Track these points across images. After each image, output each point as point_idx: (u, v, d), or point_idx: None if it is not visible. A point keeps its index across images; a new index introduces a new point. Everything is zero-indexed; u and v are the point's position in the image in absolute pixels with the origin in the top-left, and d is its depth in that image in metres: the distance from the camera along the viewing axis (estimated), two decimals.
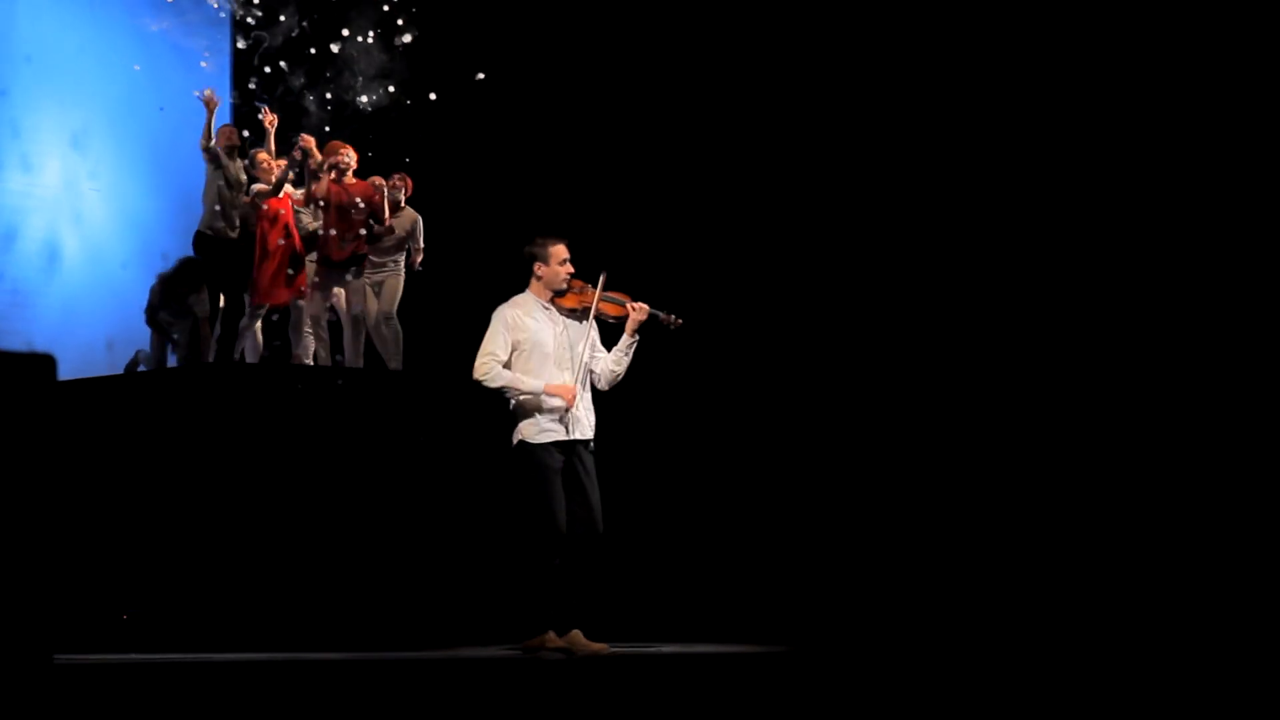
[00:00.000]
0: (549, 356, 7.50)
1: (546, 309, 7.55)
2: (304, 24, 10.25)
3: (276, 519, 9.01)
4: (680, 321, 7.62)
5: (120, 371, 10.81)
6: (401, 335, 10.05)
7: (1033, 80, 9.64)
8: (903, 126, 10.18)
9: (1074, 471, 9.25)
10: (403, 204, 10.14)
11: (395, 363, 10.05)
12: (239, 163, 10.19)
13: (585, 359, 7.52)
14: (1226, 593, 8.53)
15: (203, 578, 8.90)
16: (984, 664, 6.98)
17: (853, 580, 9.86)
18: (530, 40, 11.29)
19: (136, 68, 11.87)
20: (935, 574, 9.57)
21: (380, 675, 5.95)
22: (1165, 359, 9.06)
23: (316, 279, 10.16)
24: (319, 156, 10.05)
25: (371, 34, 10.00)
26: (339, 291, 10.23)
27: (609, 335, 7.72)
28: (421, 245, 10.17)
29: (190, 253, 10.41)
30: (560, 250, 7.56)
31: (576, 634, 7.40)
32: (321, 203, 9.97)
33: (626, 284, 7.64)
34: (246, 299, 10.09)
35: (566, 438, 7.45)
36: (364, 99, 10.05)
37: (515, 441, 7.50)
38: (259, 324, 10.25)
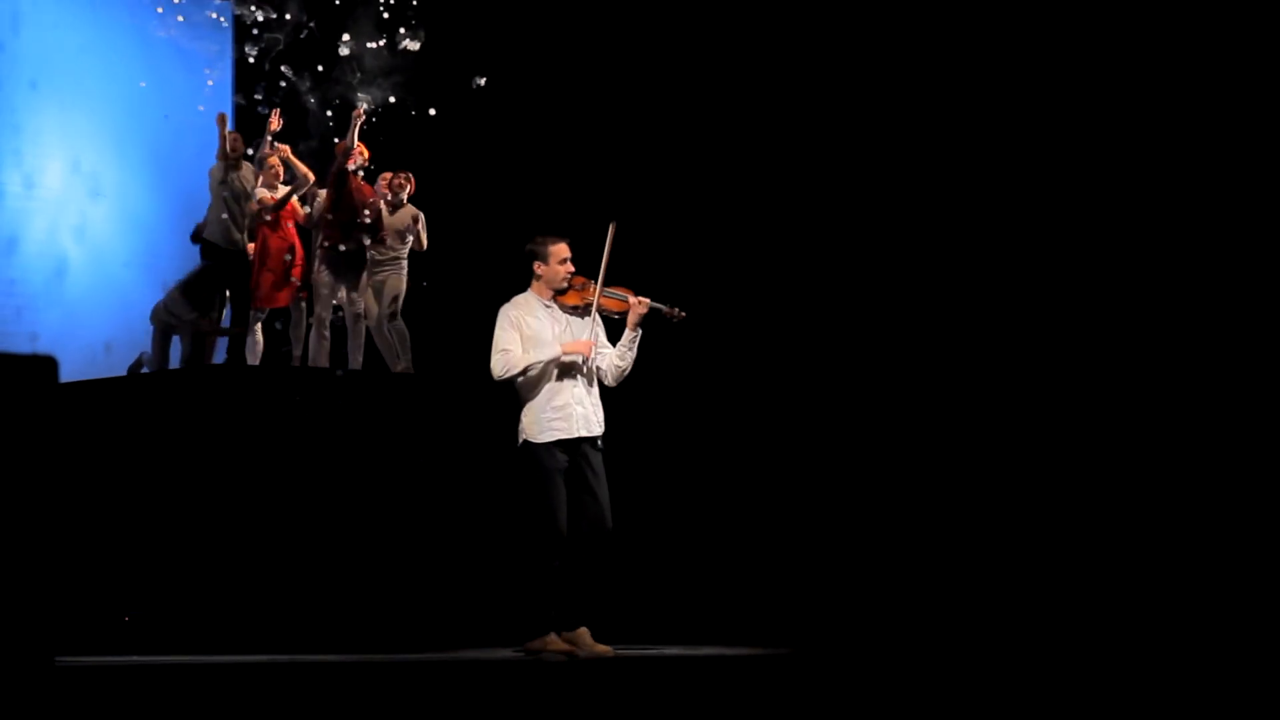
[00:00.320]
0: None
1: (548, 307, 7.53)
2: (310, 24, 10.26)
3: (278, 521, 9.01)
4: (683, 314, 7.58)
5: (120, 374, 10.81)
6: (408, 336, 10.07)
7: (1033, 80, 9.65)
8: (904, 124, 10.19)
9: (1075, 473, 9.25)
10: (405, 201, 10.19)
11: (403, 364, 10.05)
12: (245, 170, 10.22)
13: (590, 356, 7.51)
14: (1227, 593, 8.53)
15: (205, 580, 8.90)
16: (986, 666, 6.97)
17: (857, 583, 9.86)
18: (530, 40, 11.30)
19: (142, 84, 11.91)
20: (939, 577, 9.57)
21: (383, 677, 5.94)
22: (1165, 359, 9.06)
23: (325, 280, 10.16)
24: (301, 166, 10.18)
25: (379, 41, 10.01)
26: (342, 295, 10.25)
27: (613, 332, 7.71)
28: (425, 238, 10.20)
29: (191, 255, 10.44)
30: (560, 249, 7.53)
31: (584, 631, 7.38)
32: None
33: (628, 278, 7.62)
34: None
35: (572, 436, 7.43)
36: (366, 101, 10.05)
37: (520, 441, 7.48)
38: (259, 326, 10.29)
